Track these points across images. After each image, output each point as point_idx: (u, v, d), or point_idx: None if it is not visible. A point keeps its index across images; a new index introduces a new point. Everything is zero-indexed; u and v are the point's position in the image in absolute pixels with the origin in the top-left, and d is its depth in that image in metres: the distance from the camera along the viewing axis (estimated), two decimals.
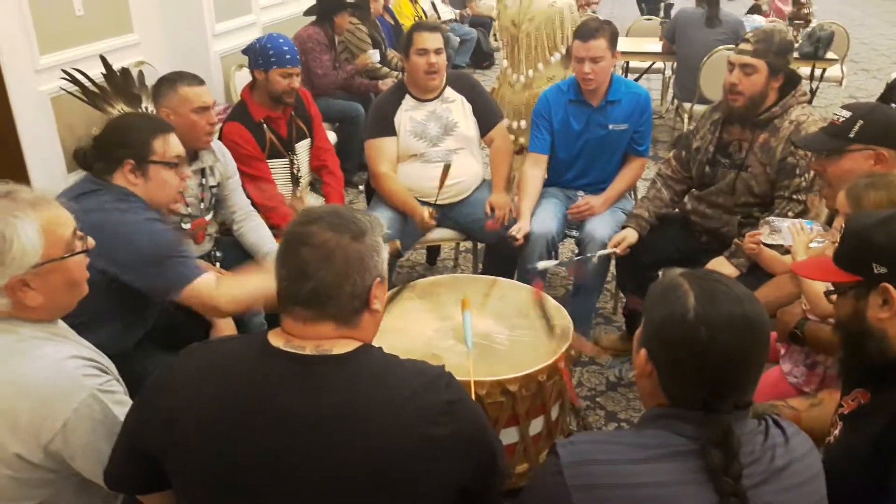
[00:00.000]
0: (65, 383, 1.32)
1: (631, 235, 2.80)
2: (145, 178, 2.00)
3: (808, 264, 1.59)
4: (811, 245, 2.03)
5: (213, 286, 1.95)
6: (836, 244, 1.41)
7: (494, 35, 8.21)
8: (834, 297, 1.42)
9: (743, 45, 2.52)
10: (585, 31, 2.87)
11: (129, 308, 2.00)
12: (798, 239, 2.02)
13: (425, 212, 2.95)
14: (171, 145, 2.05)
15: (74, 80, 3.08)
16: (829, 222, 2.19)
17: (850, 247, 1.35)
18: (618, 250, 2.77)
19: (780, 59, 2.48)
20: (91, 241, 1.48)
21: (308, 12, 4.96)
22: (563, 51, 3.87)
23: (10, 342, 1.34)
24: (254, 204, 2.81)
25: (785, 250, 2.16)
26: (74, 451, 1.33)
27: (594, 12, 7.96)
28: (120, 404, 1.38)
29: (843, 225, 1.41)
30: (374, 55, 4.98)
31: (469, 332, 1.96)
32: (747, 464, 1.06)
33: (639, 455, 1.08)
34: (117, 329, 1.98)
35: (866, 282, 1.31)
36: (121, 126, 2.08)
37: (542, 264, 2.72)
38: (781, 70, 2.50)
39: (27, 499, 1.36)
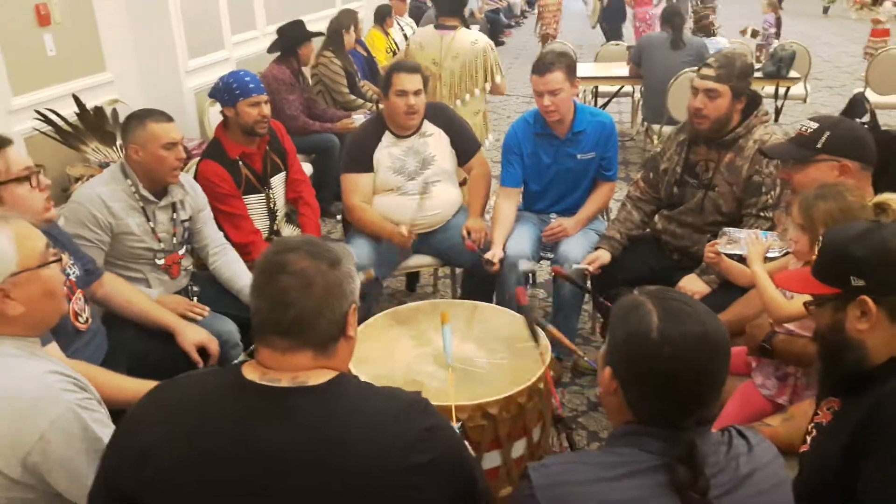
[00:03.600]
0: (43, 396, 1.33)
1: (603, 255, 2.85)
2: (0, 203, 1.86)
3: (788, 276, 1.63)
4: (769, 255, 2.08)
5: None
6: (814, 257, 1.45)
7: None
8: (813, 308, 1.45)
9: (705, 71, 2.58)
10: (541, 66, 2.92)
11: None
12: (753, 249, 2.08)
13: (403, 228, 2.97)
14: (12, 159, 1.89)
15: (48, 120, 3.09)
16: None
17: (829, 260, 1.39)
18: (591, 268, 2.82)
19: (742, 83, 2.56)
20: (65, 259, 1.50)
21: (271, 49, 4.92)
22: (487, 87, 4.12)
23: None
24: (232, 244, 2.82)
25: (745, 260, 2.21)
26: (52, 465, 1.33)
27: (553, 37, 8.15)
28: (99, 423, 1.39)
29: (821, 238, 1.46)
30: (357, 120, 4.93)
31: (449, 345, 1.95)
32: (712, 474, 1.09)
33: (608, 473, 1.10)
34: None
35: (845, 294, 1.34)
36: None
37: (523, 265, 2.81)
38: (744, 93, 2.57)
39: None
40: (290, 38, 4.85)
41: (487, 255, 2.90)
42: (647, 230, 2.98)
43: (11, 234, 1.39)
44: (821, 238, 1.46)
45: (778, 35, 8.70)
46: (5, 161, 1.88)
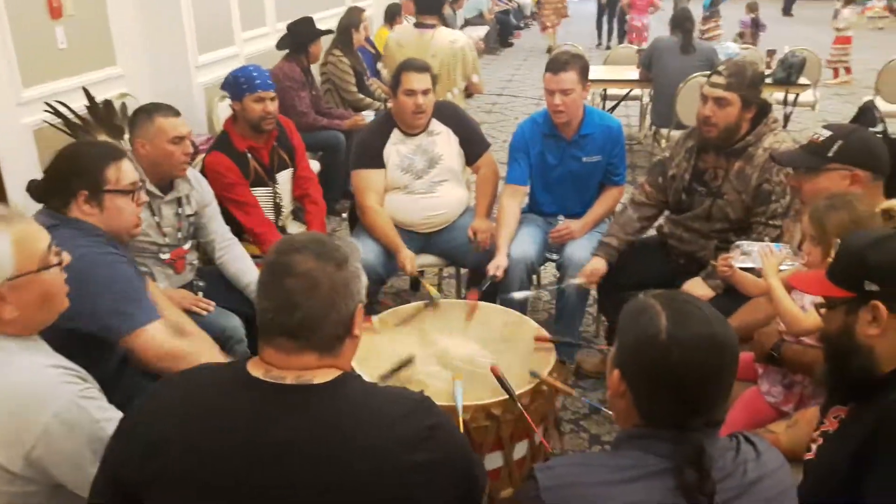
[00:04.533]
0: (44, 389, 1.33)
1: (599, 266, 2.83)
2: (101, 208, 1.93)
3: (804, 277, 1.63)
4: (781, 268, 2.08)
5: (165, 334, 1.88)
6: (830, 260, 1.45)
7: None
8: (824, 310, 1.46)
9: (716, 79, 2.56)
10: (556, 64, 2.91)
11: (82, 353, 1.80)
12: (767, 262, 2.07)
13: (407, 262, 2.94)
14: (125, 172, 1.98)
15: (57, 113, 3.09)
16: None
17: (844, 263, 1.40)
18: (588, 283, 2.82)
19: (752, 92, 2.54)
20: (67, 256, 1.49)
21: (280, 45, 4.89)
22: (463, 86, 4.15)
23: None
24: (245, 230, 2.82)
25: (757, 273, 2.20)
26: (55, 457, 1.33)
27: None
28: (102, 410, 1.39)
29: (837, 242, 1.46)
30: (367, 117, 4.95)
31: (460, 401, 1.93)
32: (719, 479, 1.09)
33: (615, 476, 1.10)
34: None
35: (857, 298, 1.35)
36: (72, 155, 1.99)
37: (518, 295, 2.77)
38: (754, 102, 2.55)
39: None
40: (301, 36, 4.82)
41: (490, 268, 2.83)
42: (656, 234, 2.97)
43: (10, 237, 1.36)
44: (837, 242, 1.46)
45: (758, 34, 8.95)
46: (118, 172, 1.96)
